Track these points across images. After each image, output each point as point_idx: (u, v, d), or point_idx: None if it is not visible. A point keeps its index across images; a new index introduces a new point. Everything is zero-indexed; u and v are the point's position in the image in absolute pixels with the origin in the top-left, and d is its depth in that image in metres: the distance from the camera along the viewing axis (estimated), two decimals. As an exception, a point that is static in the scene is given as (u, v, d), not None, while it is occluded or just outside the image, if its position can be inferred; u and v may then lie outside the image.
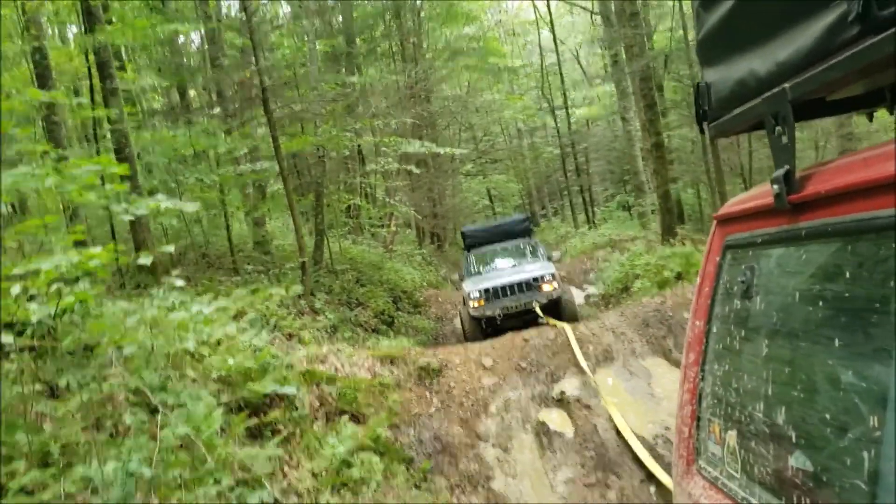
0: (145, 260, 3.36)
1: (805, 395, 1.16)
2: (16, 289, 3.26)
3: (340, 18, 16.56)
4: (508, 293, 10.06)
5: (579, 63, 34.23)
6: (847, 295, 1.07)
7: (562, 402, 6.40)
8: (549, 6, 25.58)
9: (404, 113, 14.18)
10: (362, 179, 14.99)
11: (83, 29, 8.95)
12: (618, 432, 5.56)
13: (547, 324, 9.26)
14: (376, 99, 13.02)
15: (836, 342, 1.07)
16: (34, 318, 3.68)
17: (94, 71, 9.67)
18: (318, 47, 11.71)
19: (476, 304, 10.10)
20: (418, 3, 22.06)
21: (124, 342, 4.27)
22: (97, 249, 3.38)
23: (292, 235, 14.80)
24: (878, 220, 1.02)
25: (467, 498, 5.05)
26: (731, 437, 1.45)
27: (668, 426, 5.53)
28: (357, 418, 5.88)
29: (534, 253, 11.57)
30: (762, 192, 1.40)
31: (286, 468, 4.83)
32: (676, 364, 6.80)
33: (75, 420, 3.81)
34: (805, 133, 12.32)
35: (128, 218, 4.18)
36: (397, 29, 21.19)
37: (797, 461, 1.15)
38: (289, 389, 5.47)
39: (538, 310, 9.78)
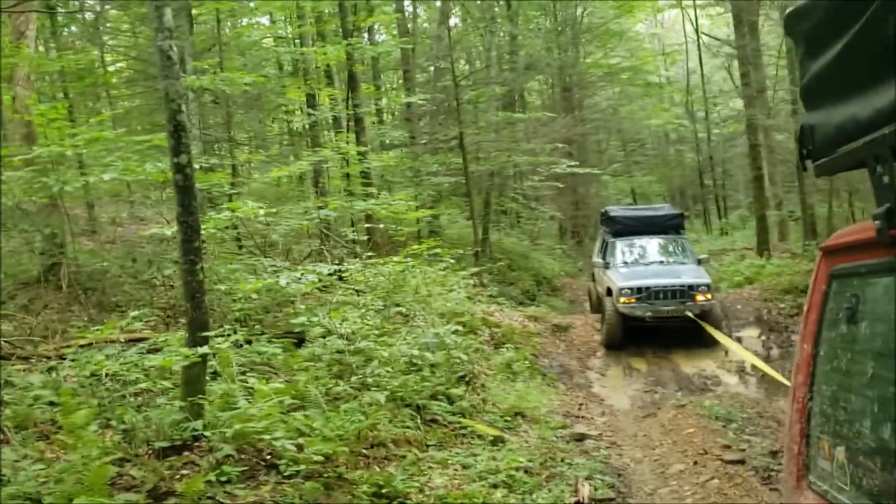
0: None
1: None
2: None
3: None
4: (662, 297, 9.80)
5: (730, 77, 35.58)
6: None
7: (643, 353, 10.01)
8: (697, 32, 27.78)
9: (557, 135, 17.99)
10: (519, 191, 19.07)
11: (348, 89, 13.72)
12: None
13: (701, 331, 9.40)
14: (535, 128, 16.96)
15: None
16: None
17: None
18: (497, 90, 15.92)
19: (626, 301, 9.86)
20: (579, 12, 25.26)
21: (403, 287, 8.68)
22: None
23: (454, 227, 19.20)
24: None
25: (576, 393, 8.90)
26: (840, 452, 1.50)
27: (704, 369, 9.02)
28: (514, 347, 9.90)
29: (684, 252, 11.25)
30: (865, 227, 1.48)
31: (474, 364, 8.97)
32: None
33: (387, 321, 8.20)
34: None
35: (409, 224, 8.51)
36: (557, 47, 24.70)
37: None
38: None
39: (692, 316, 9.53)
